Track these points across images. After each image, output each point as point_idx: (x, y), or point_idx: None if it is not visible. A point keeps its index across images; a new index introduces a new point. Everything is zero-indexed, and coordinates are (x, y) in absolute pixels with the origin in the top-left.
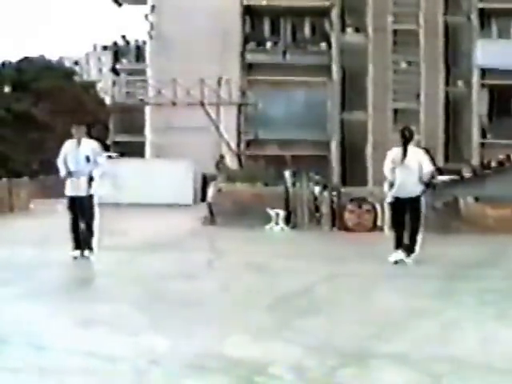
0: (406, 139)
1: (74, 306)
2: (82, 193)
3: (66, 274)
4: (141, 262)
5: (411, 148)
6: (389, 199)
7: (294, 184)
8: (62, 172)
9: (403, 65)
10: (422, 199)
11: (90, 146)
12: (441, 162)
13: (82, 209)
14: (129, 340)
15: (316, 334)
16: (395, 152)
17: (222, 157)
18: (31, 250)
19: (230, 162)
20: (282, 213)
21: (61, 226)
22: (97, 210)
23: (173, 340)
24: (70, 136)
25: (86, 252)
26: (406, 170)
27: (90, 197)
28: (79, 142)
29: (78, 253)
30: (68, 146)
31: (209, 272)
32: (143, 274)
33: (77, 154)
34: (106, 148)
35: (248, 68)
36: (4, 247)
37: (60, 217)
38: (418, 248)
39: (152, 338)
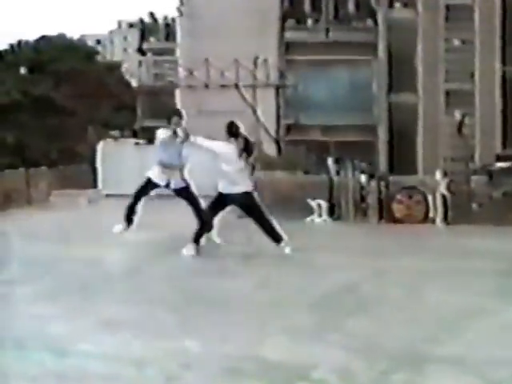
0: None
1: (97, 307)
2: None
3: (88, 271)
4: (171, 258)
5: None
6: None
7: (337, 172)
8: None
9: (456, 42)
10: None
11: None
12: (498, 148)
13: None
14: (157, 343)
15: (363, 335)
16: None
17: (259, 143)
18: (51, 246)
19: (268, 148)
20: (324, 204)
21: (83, 220)
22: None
23: (206, 342)
24: (92, 121)
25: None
26: None
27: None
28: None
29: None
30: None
31: (245, 268)
32: (173, 271)
33: None
34: (134, 134)
35: (287, 47)
36: (22, 243)
37: (81, 210)
38: None
39: (183, 340)
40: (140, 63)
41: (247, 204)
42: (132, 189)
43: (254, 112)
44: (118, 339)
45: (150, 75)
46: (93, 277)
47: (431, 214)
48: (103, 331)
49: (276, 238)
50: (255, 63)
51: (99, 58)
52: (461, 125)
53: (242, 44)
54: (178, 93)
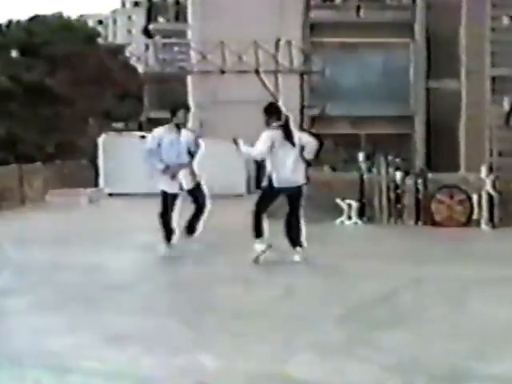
0: None
1: (101, 319)
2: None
3: (90, 279)
4: (183, 264)
5: None
6: None
7: (369, 169)
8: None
9: (505, 21)
10: None
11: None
12: None
13: None
14: (168, 359)
15: (398, 350)
16: None
17: None
18: (48, 251)
19: None
20: (355, 204)
21: (83, 222)
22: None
23: (223, 359)
24: (93, 112)
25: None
26: None
27: None
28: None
29: None
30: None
31: (267, 276)
32: (186, 279)
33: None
34: (140, 127)
35: (312, 28)
36: (15, 248)
37: (82, 211)
38: None
39: (198, 356)
40: (147, 46)
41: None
42: (137, 187)
43: (276, 101)
44: (125, 355)
45: (159, 60)
46: (95, 285)
47: (475, 216)
48: (108, 346)
49: (296, 242)
50: (277, 46)
51: (100, 40)
52: (509, 115)
53: (261, 24)
54: (189, 80)
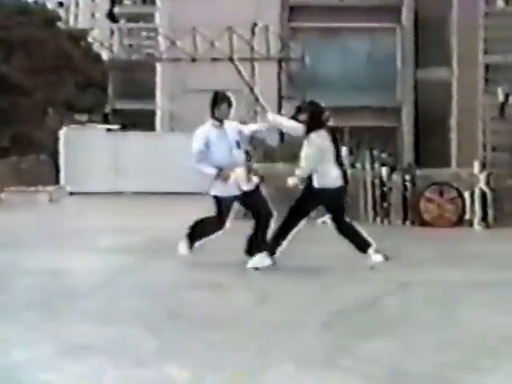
0: None
1: (61, 328)
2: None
3: (47, 285)
4: (150, 268)
5: None
6: None
7: (352, 165)
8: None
9: (500, 4)
10: None
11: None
12: None
13: None
14: (134, 371)
15: (383, 360)
16: None
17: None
18: (3, 254)
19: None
20: None
21: (43, 222)
22: None
23: (193, 370)
24: (53, 102)
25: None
26: None
27: None
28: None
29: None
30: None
31: (241, 280)
32: (153, 284)
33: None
34: (105, 119)
35: (291, 12)
36: None
37: (41, 211)
38: None
39: (165, 368)
40: (112, 31)
41: None
42: (102, 185)
43: (252, 91)
44: (87, 367)
45: (125, 47)
46: (55, 291)
47: (467, 216)
48: (69, 357)
49: (364, 246)
50: (253, 32)
51: (61, 24)
52: (504, 106)
53: (236, 8)
54: (158, 68)
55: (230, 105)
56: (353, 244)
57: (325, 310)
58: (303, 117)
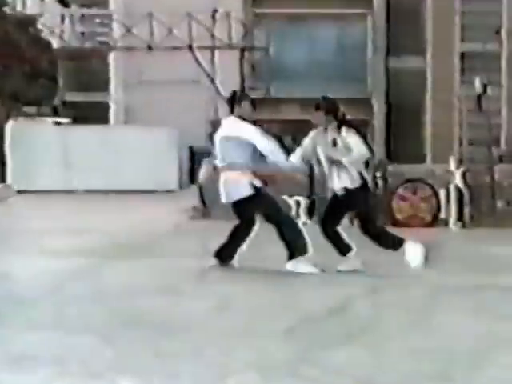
0: None
1: (5, 336)
2: None
3: None
4: (103, 273)
5: None
6: None
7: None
8: None
9: None
10: None
11: None
12: None
13: None
14: (84, 382)
15: (352, 370)
16: None
17: (217, 122)
18: None
19: None
20: (303, 201)
21: None
22: None
23: (148, 382)
24: None
25: None
26: None
27: None
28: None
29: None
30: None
31: (200, 285)
32: (106, 290)
33: None
34: (54, 111)
35: None
36: None
37: None
38: None
39: (118, 379)
40: (62, 18)
41: None
42: (52, 184)
43: (213, 81)
44: (35, 378)
45: (76, 34)
46: None
47: (443, 215)
48: (14, 368)
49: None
50: (214, 18)
51: (7, 10)
52: (481, 97)
53: None
54: (112, 57)
55: (252, 103)
56: (335, 248)
57: (289, 316)
58: (317, 116)
